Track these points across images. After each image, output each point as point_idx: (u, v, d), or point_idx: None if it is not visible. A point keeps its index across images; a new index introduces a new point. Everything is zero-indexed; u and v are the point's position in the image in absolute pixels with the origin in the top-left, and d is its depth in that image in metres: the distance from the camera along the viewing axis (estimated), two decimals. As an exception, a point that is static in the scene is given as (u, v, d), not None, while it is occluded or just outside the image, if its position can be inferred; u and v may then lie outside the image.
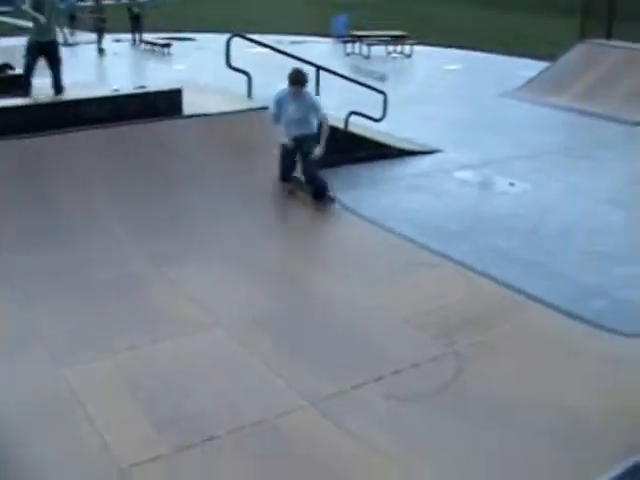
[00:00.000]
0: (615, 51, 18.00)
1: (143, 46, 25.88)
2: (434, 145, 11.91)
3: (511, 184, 10.23)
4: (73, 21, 30.46)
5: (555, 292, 6.82)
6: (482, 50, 25.96)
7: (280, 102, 8.91)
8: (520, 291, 6.81)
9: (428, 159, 11.41)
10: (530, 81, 18.06)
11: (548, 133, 13.75)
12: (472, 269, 7.25)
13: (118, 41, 27.71)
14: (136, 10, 27.43)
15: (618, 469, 4.08)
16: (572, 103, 16.14)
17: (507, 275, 7.08)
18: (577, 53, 18.60)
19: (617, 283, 7.14)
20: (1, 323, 6.09)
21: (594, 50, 18.36)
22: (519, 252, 7.83)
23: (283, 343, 5.93)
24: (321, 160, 8.98)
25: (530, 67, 19.72)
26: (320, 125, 8.92)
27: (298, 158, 9.11)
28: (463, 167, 10.95)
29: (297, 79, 8.78)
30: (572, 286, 7.07)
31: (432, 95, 17.25)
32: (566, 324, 6.31)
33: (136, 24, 27.13)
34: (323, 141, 8.90)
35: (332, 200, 9.07)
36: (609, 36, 19.45)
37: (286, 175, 9.20)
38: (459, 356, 5.76)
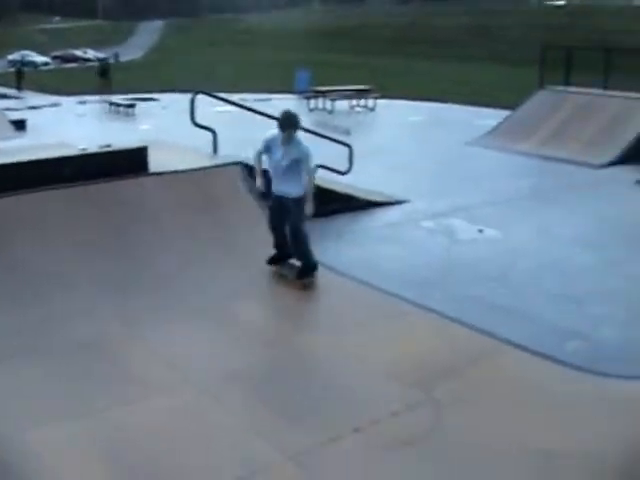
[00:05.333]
0: (574, 97, 18.48)
1: (108, 107, 25.77)
2: (401, 196, 11.94)
3: (480, 230, 10.27)
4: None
5: (528, 335, 6.78)
6: (444, 101, 26.45)
7: (269, 145, 7.95)
8: (494, 336, 6.75)
9: (395, 210, 11.44)
10: (494, 129, 18.39)
11: (514, 179, 13.91)
12: (445, 316, 7.21)
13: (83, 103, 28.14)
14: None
15: None
16: (537, 148, 16.46)
17: (481, 321, 7.03)
18: (538, 100, 19.05)
19: (590, 324, 7.15)
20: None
21: (555, 96, 18.84)
22: (491, 298, 7.82)
23: (261, 398, 5.79)
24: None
25: (492, 116, 20.07)
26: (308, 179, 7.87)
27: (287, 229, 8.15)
28: (431, 216, 10.99)
29: (287, 122, 7.79)
30: (545, 329, 7.06)
31: (397, 146, 17.43)
32: (542, 367, 6.29)
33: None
34: (310, 197, 7.87)
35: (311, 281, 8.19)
36: (567, 84, 19.99)
37: (277, 255, 8.32)
38: (437, 404, 5.70)
